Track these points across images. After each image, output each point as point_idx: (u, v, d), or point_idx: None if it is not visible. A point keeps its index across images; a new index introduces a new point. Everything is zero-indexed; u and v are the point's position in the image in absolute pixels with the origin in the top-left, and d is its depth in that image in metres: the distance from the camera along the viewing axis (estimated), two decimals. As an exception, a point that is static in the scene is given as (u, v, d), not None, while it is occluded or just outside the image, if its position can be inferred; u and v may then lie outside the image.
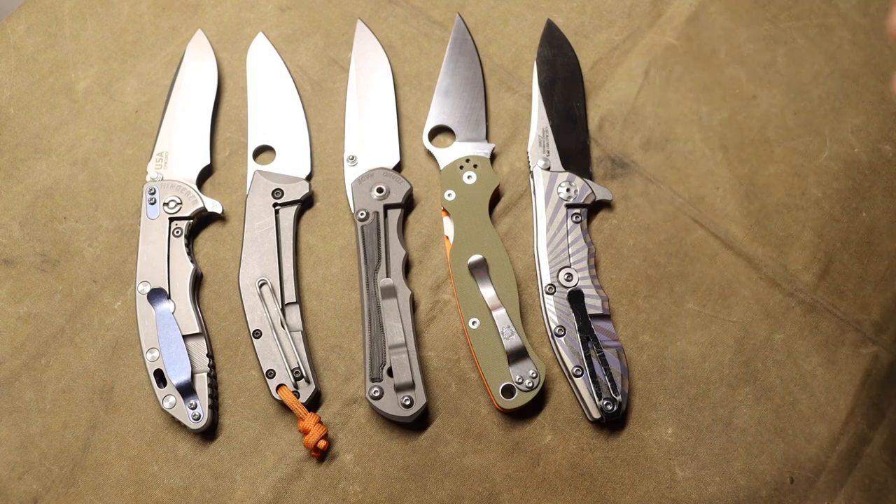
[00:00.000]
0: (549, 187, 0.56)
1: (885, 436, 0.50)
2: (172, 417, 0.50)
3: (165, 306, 0.53)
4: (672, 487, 0.49)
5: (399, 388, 0.50)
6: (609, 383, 0.50)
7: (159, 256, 0.54)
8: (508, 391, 0.50)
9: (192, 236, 0.56)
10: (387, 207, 0.55)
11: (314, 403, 0.52)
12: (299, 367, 0.51)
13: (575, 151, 0.58)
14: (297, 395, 0.50)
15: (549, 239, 0.54)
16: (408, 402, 0.49)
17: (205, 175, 0.58)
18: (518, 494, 0.49)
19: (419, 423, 0.51)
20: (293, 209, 0.56)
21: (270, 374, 0.51)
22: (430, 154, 0.59)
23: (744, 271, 0.55)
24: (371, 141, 0.59)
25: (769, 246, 0.56)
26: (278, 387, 0.51)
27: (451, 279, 0.54)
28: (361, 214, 0.55)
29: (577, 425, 0.51)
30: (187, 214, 0.55)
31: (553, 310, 0.52)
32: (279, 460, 0.51)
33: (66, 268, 0.56)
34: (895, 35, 0.34)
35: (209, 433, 0.51)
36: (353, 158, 0.58)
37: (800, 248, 0.56)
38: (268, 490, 0.50)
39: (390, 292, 0.52)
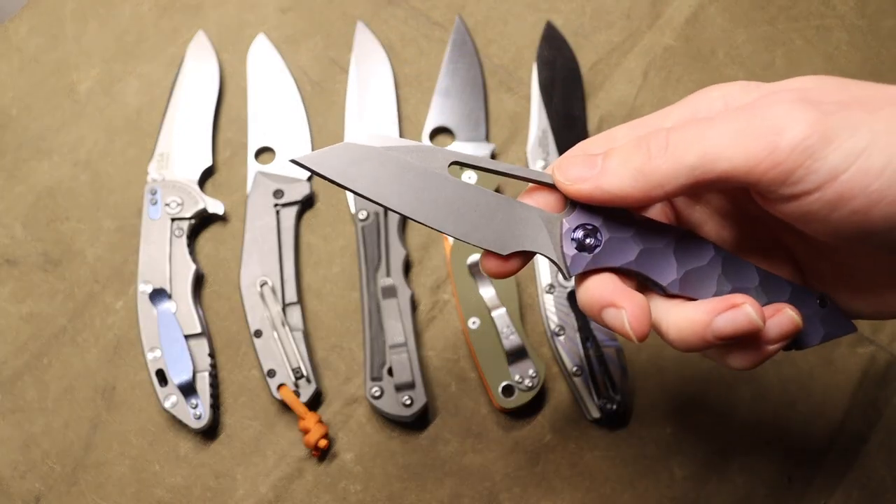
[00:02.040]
0: (548, 188, 0.56)
1: (881, 435, 0.50)
2: (174, 417, 0.51)
3: (167, 306, 0.53)
4: (671, 486, 0.50)
5: (399, 388, 0.50)
6: (608, 383, 0.50)
7: (161, 257, 0.54)
8: (508, 391, 0.50)
9: (193, 236, 0.57)
10: (387, 207, 0.56)
11: (315, 403, 0.52)
12: (300, 367, 0.51)
13: (574, 152, 0.58)
14: (297, 394, 0.51)
15: (549, 239, 0.54)
16: (408, 402, 0.50)
17: (206, 175, 0.59)
18: (518, 493, 0.50)
19: (419, 422, 0.51)
20: (294, 209, 0.56)
21: (271, 373, 0.51)
22: (430, 155, 0.59)
23: (742, 271, 0.55)
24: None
25: (767, 246, 0.56)
26: (279, 386, 0.51)
27: (451, 279, 0.54)
28: (362, 215, 0.55)
29: (576, 425, 0.51)
30: (189, 215, 0.55)
31: (552, 309, 0.53)
32: (280, 459, 0.51)
33: (68, 268, 0.56)
34: None
35: (210, 432, 0.52)
36: (353, 159, 0.58)
37: (798, 248, 0.56)
38: (268, 489, 0.50)
39: (390, 292, 0.52)
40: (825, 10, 0.64)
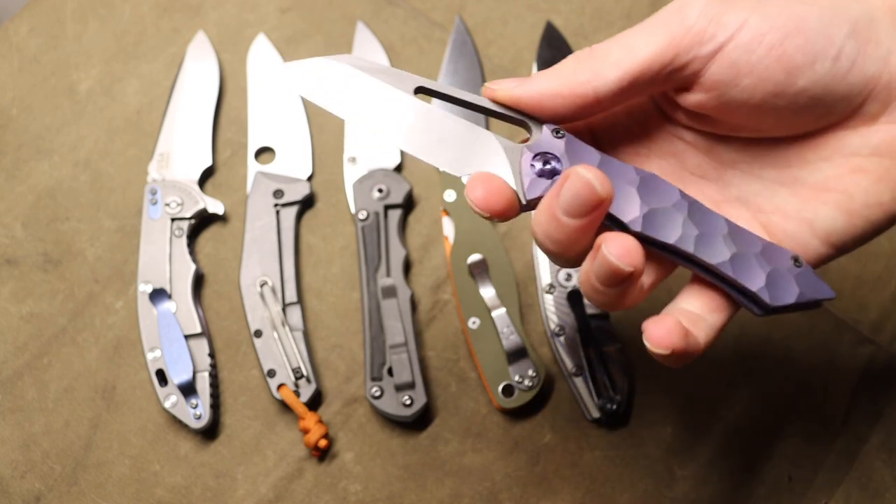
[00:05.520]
0: (548, 188, 0.56)
1: (882, 434, 0.50)
2: (174, 417, 0.51)
3: (167, 306, 0.53)
4: (671, 486, 0.50)
5: (399, 388, 0.50)
6: (608, 383, 0.50)
7: (161, 257, 0.54)
8: (508, 391, 0.50)
9: (193, 236, 0.57)
10: (387, 207, 0.56)
11: (315, 403, 0.52)
12: (300, 367, 0.51)
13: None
14: (297, 394, 0.51)
15: (549, 239, 0.54)
16: (408, 402, 0.50)
17: (206, 175, 0.59)
18: (518, 493, 0.50)
19: (419, 422, 0.51)
20: (294, 209, 0.57)
21: (271, 373, 0.51)
22: (430, 155, 0.59)
23: (742, 271, 0.55)
24: (372, 141, 0.59)
25: (767, 246, 0.56)
26: (279, 386, 0.51)
27: (451, 279, 0.54)
28: (362, 214, 0.55)
29: (576, 424, 0.51)
30: (189, 215, 0.55)
31: (552, 309, 0.53)
32: (280, 459, 0.51)
33: (68, 268, 0.56)
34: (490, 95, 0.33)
35: (210, 432, 0.52)
36: (353, 159, 0.58)
37: (798, 248, 0.56)
38: (269, 489, 0.50)
39: (390, 292, 0.52)
40: (825, 10, 0.64)
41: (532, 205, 0.32)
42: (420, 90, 0.33)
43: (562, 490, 0.50)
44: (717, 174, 0.35)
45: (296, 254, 0.56)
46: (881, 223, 0.32)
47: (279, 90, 0.61)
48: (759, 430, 0.51)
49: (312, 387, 0.51)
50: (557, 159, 0.32)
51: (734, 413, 0.51)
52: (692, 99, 0.32)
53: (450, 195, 0.56)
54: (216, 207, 0.56)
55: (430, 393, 0.52)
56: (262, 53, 0.62)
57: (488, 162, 0.32)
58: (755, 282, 0.32)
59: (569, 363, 0.51)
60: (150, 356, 0.52)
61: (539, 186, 0.31)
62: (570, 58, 0.32)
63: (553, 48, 0.62)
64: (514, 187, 0.32)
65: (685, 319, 0.32)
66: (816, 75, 0.30)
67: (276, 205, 0.56)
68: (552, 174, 0.31)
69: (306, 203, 0.58)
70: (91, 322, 0.54)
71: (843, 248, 0.33)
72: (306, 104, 0.61)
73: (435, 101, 0.34)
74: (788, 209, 0.33)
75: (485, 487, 0.50)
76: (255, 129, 0.60)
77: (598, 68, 0.31)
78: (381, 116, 0.32)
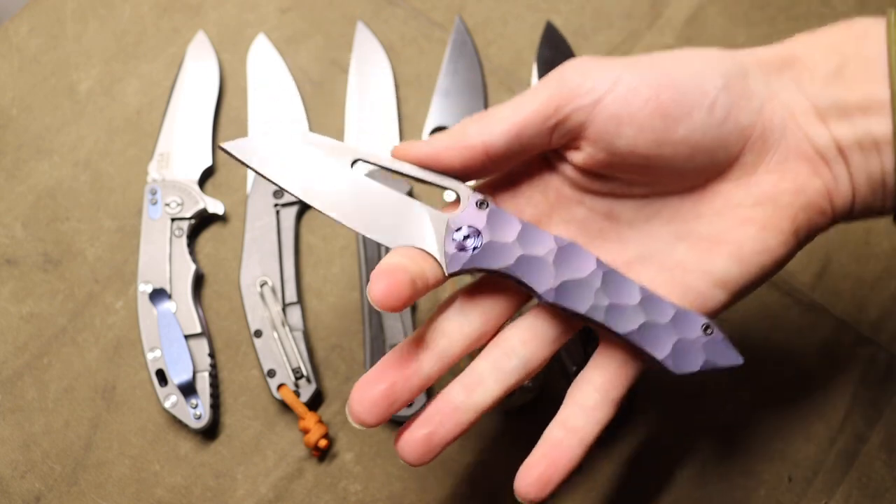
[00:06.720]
0: (548, 188, 0.56)
1: (882, 434, 0.50)
2: (174, 417, 0.51)
3: (167, 306, 0.53)
4: (671, 486, 0.50)
5: (399, 388, 0.50)
6: (608, 383, 0.50)
7: (161, 257, 0.54)
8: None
9: (193, 236, 0.57)
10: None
11: (315, 403, 0.52)
12: (300, 367, 0.51)
13: (574, 152, 0.58)
14: (297, 394, 0.51)
15: (549, 239, 0.54)
16: (408, 402, 0.50)
17: (206, 175, 0.59)
18: (518, 493, 0.50)
19: (419, 422, 0.51)
20: (294, 209, 0.57)
21: (271, 373, 0.51)
22: (430, 155, 0.59)
23: (742, 271, 0.55)
24: (371, 141, 0.59)
25: (767, 246, 0.56)
26: (279, 386, 0.51)
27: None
28: (362, 215, 0.55)
29: (576, 424, 0.51)
30: (189, 215, 0.55)
31: (552, 309, 0.52)
32: (280, 459, 0.51)
33: (68, 268, 0.56)
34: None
35: (210, 432, 0.52)
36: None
37: (798, 248, 0.56)
38: (269, 489, 0.50)
39: (390, 292, 0.52)
40: (825, 10, 0.64)
41: (454, 276, 0.33)
42: (357, 161, 0.34)
43: (562, 490, 0.50)
44: (619, 236, 0.36)
45: (296, 254, 0.56)
46: (770, 268, 0.34)
47: (279, 90, 0.61)
48: (759, 430, 0.51)
49: (312, 387, 0.51)
50: (479, 233, 0.33)
51: (734, 413, 0.51)
52: (582, 156, 0.34)
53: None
54: (216, 207, 0.56)
55: (430, 393, 0.52)
56: (262, 53, 0.62)
57: (416, 232, 0.33)
58: (661, 350, 0.33)
59: (569, 363, 0.51)
60: (150, 356, 0.52)
61: (458, 261, 0.33)
62: (465, 118, 0.34)
63: (553, 48, 0.62)
64: (438, 257, 0.33)
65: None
66: (695, 124, 0.32)
67: (276, 205, 0.56)
68: (473, 249, 0.33)
69: (306, 203, 0.57)
70: (91, 322, 0.54)
71: (740, 293, 0.35)
72: (306, 105, 0.61)
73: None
74: (688, 263, 0.34)
75: (485, 487, 0.50)
76: (255, 128, 0.60)
77: (487, 124, 0.33)
78: (318, 188, 0.34)
